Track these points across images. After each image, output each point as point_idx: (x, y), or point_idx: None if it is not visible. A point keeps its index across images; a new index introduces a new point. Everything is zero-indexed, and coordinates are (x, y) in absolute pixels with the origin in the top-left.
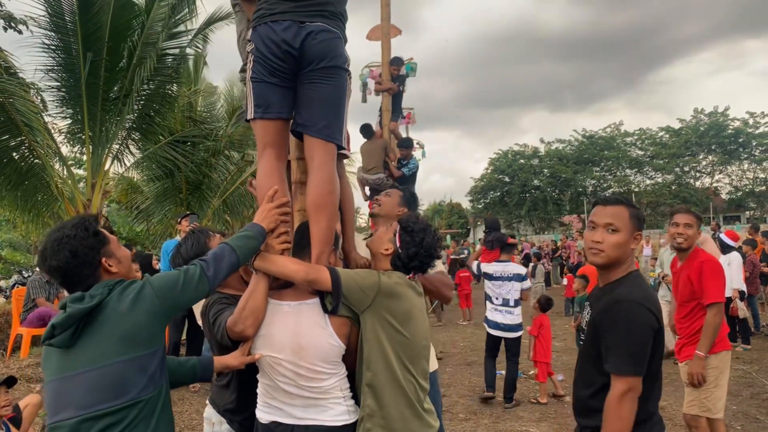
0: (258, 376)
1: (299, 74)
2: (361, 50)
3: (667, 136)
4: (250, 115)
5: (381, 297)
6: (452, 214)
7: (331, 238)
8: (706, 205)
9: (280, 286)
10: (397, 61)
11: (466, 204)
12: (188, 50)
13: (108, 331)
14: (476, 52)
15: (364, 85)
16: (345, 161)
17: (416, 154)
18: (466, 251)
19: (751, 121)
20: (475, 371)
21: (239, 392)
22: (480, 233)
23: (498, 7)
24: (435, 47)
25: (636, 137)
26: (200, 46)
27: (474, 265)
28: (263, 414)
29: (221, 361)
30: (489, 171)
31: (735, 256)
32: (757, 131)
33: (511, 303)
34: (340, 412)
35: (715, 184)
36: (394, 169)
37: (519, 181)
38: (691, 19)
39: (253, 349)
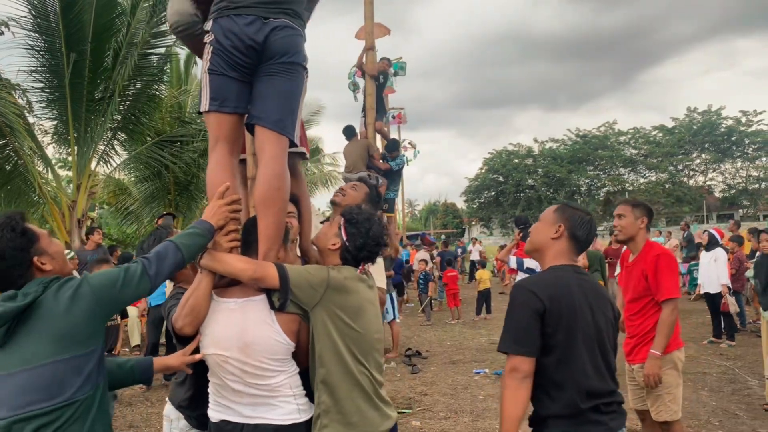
0: (208, 375)
1: (258, 68)
2: (349, 51)
3: (661, 135)
4: (204, 107)
5: (331, 292)
6: (447, 213)
7: (279, 235)
8: (699, 203)
9: (227, 283)
10: (386, 59)
11: (461, 204)
12: (177, 50)
13: (43, 330)
14: (470, 53)
15: (354, 85)
16: (328, 161)
17: (408, 153)
18: (459, 250)
19: (744, 120)
20: (459, 370)
21: (195, 389)
22: (475, 233)
23: (491, 9)
24: (429, 48)
25: (630, 136)
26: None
27: (512, 261)
28: (213, 412)
29: (161, 361)
30: (483, 171)
31: (721, 252)
32: (749, 129)
33: None
34: (290, 410)
35: (708, 183)
36: (380, 162)
37: (513, 181)
38: (683, 19)
39: (201, 347)
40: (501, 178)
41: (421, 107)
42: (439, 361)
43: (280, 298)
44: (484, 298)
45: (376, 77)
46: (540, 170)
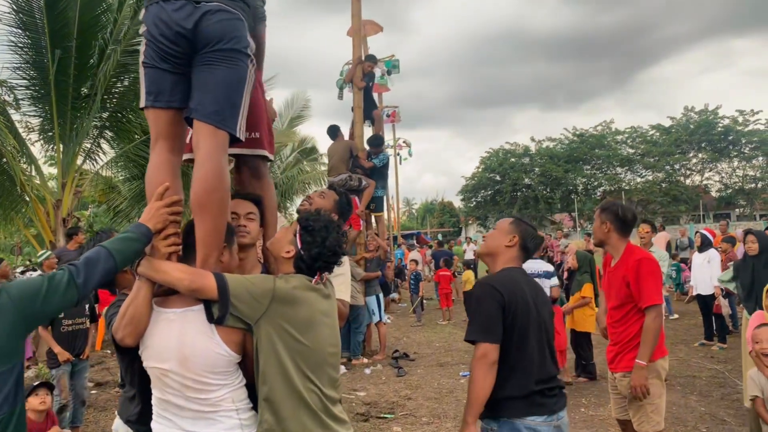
0: (151, 387)
1: (194, 58)
2: (342, 49)
3: (658, 134)
4: (142, 102)
5: (276, 304)
6: (444, 213)
7: (218, 241)
8: (696, 202)
9: (165, 291)
10: (372, 59)
11: (458, 203)
12: None
13: None
14: (468, 52)
15: (340, 88)
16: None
17: (402, 152)
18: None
19: (740, 119)
20: (445, 372)
21: (143, 404)
22: (471, 232)
23: (489, 8)
24: (427, 47)
25: (627, 135)
26: None
27: None
28: (156, 426)
29: None
30: (480, 170)
31: (714, 253)
32: (746, 129)
33: None
34: (231, 425)
35: (705, 182)
36: (365, 160)
37: (510, 180)
38: (680, 18)
39: (143, 360)
40: (498, 177)
41: (419, 106)
42: (427, 363)
43: (219, 310)
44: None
45: (367, 82)
46: (537, 169)
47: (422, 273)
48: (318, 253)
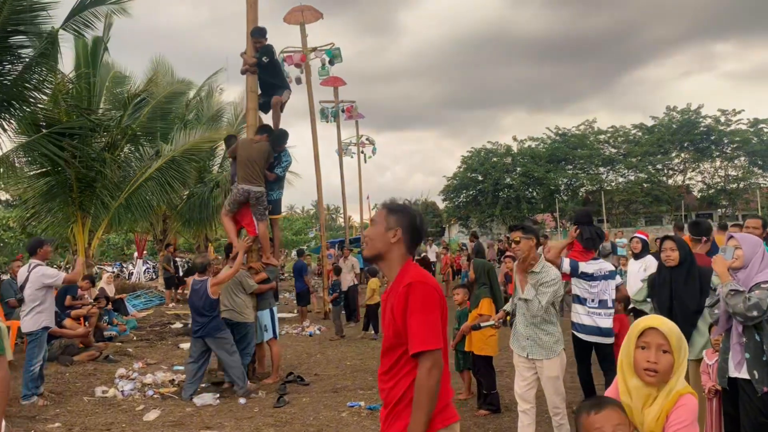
0: None
1: None
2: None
3: (640, 133)
4: None
5: None
6: (427, 213)
7: None
8: (678, 203)
9: None
10: (259, 33)
11: (440, 203)
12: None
13: None
14: (455, 55)
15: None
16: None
17: (367, 150)
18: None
19: (722, 119)
20: (333, 402)
21: None
22: (454, 233)
23: (474, 10)
24: (414, 49)
25: (609, 135)
26: (79, 28)
27: (566, 263)
28: None
29: None
30: (462, 169)
31: (651, 260)
32: (728, 129)
33: (609, 304)
34: None
35: (687, 182)
36: (268, 173)
37: (491, 180)
38: (663, 22)
39: None
40: (479, 177)
41: (407, 107)
42: (320, 389)
43: None
44: (372, 313)
45: (259, 58)
46: (519, 169)
47: (354, 281)
48: None
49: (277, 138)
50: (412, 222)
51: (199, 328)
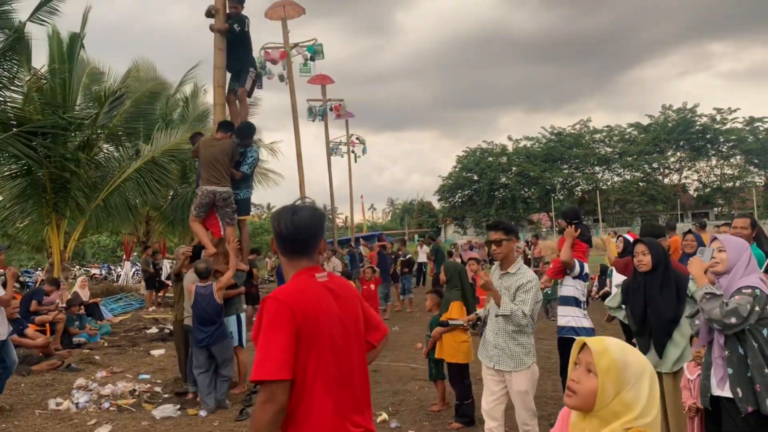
0: None
1: None
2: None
3: (636, 132)
4: None
5: None
6: (422, 213)
7: None
8: (674, 202)
9: None
10: None
11: (436, 203)
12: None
13: None
14: (452, 55)
15: (262, 68)
16: None
17: (357, 150)
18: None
19: (718, 118)
20: None
21: None
22: (450, 233)
23: (471, 10)
24: (412, 50)
25: (604, 134)
26: (45, 17)
27: (578, 266)
28: None
29: None
30: (457, 169)
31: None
32: (724, 127)
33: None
34: None
35: (683, 181)
36: (234, 171)
37: (487, 179)
38: (659, 22)
39: None
40: (475, 177)
41: (405, 108)
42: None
43: None
44: None
45: (231, 25)
46: (514, 168)
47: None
48: None
49: (241, 132)
50: (277, 228)
51: (204, 337)
